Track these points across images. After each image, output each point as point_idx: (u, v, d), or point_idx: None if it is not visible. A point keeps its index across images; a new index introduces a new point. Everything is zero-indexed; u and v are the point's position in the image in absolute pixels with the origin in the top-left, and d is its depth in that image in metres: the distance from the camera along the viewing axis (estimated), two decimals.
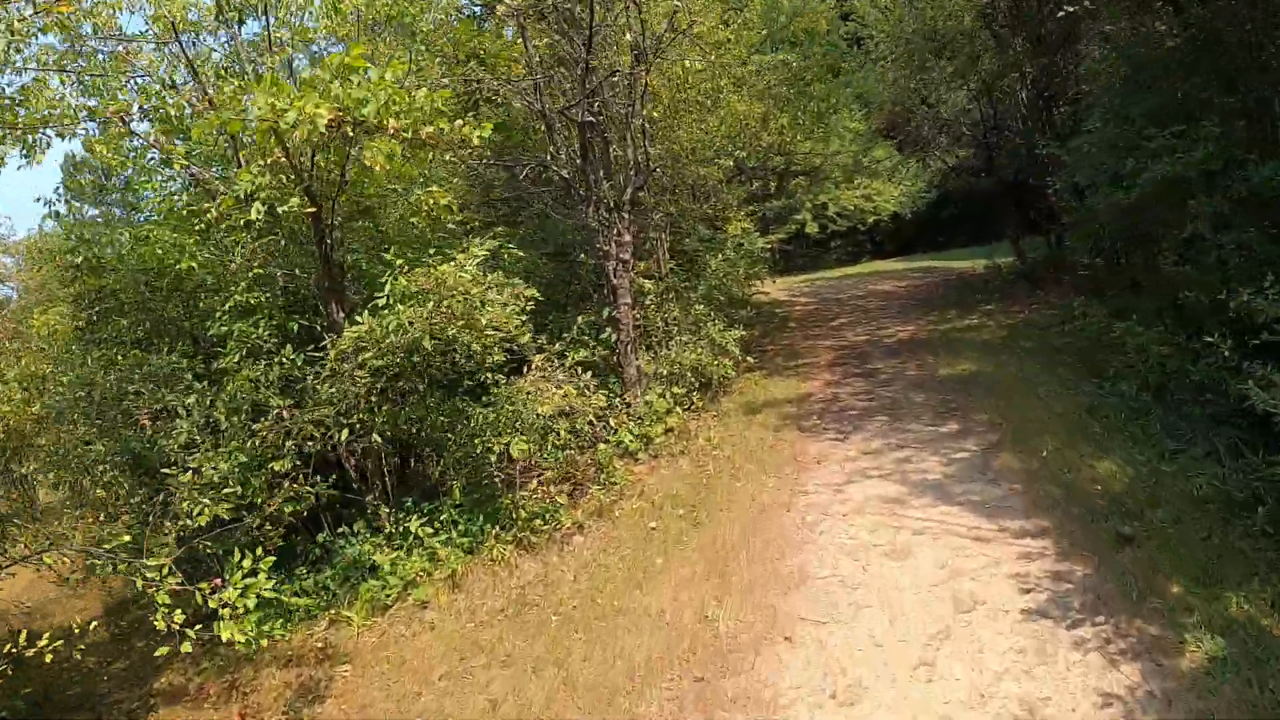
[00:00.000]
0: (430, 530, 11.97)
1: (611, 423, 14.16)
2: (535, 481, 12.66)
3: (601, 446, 13.71)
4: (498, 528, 12.07)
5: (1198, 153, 12.76)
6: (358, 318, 10.88)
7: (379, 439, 11.48)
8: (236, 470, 10.86)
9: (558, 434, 12.41)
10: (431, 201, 11.85)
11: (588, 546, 11.84)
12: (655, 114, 17.61)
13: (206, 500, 10.38)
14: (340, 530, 12.25)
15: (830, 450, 13.75)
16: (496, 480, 12.94)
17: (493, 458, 11.80)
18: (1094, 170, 15.95)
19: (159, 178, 14.58)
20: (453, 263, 10.80)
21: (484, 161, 16.76)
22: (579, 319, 15.33)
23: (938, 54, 24.82)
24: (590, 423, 12.90)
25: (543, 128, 15.27)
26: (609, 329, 15.58)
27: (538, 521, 12.02)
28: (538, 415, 11.78)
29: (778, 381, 18.87)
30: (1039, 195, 26.53)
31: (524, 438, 11.64)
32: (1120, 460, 11.49)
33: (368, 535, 12.13)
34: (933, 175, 39.77)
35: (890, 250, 40.12)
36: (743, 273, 21.00)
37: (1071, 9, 16.86)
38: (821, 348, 21.96)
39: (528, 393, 11.86)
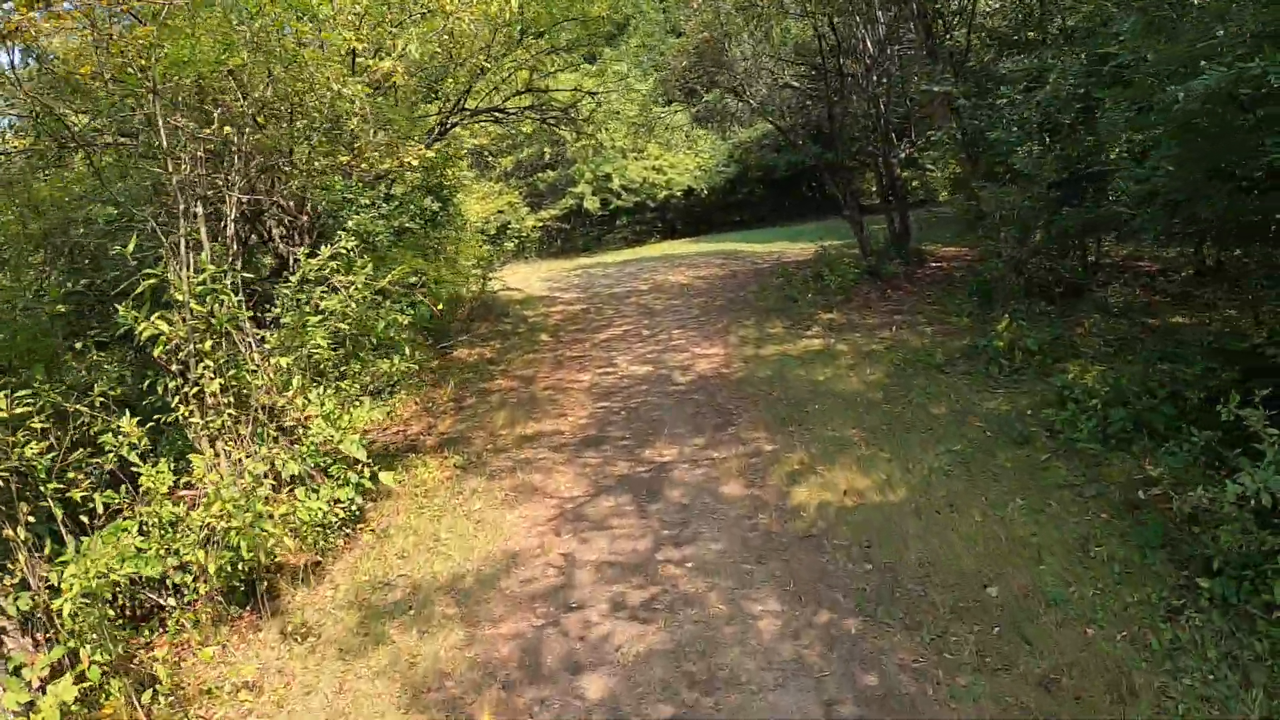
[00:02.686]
0: None
1: None
2: None
3: None
4: None
5: None
6: None
7: None
8: None
9: None
10: None
11: None
12: None
13: None
14: None
15: None
16: None
17: None
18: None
19: None
20: None
21: None
22: None
23: None
24: None
25: None
26: None
27: None
28: None
29: (470, 495, 8.11)
30: (885, 164, 16.66)
31: None
32: None
33: None
34: (732, 148, 29.64)
35: (683, 230, 29.71)
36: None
37: None
38: (574, 392, 11.14)
39: None
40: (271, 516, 6.38)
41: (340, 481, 7.35)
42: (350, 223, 7.88)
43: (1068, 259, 12.07)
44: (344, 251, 7.37)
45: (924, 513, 6.43)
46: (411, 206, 12.17)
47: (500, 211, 26.72)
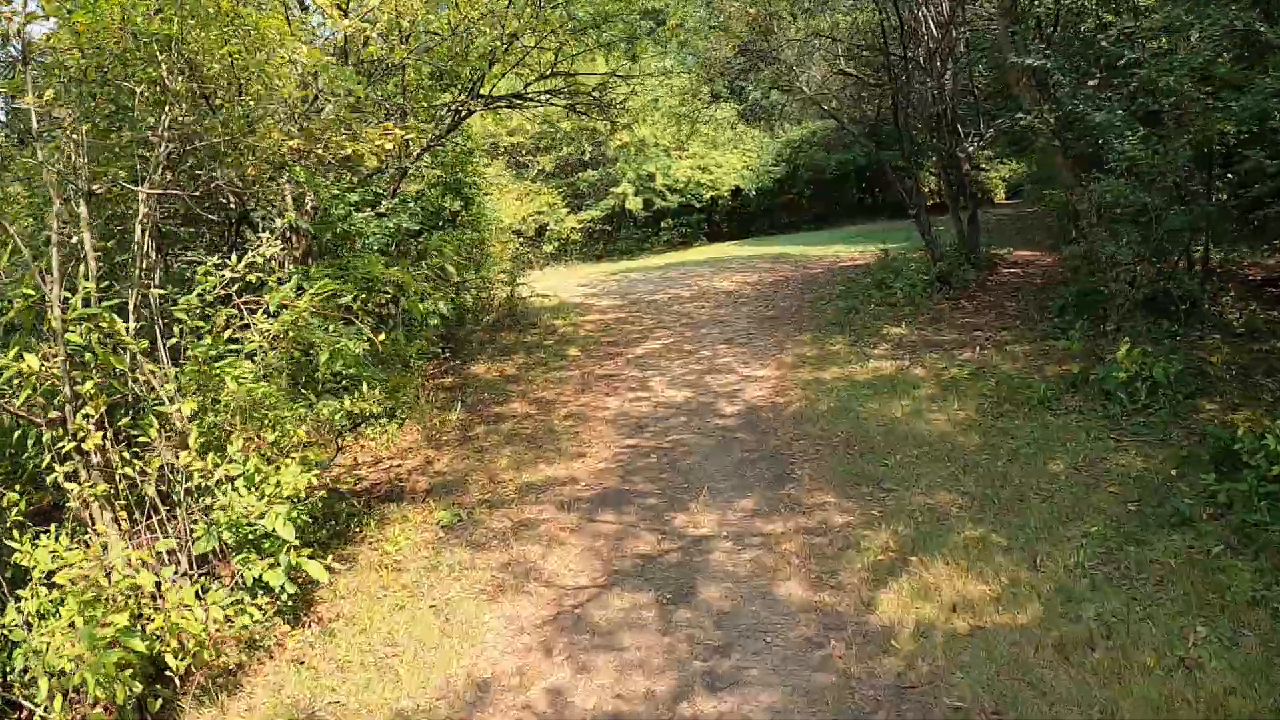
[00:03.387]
0: None
1: None
2: None
3: None
4: None
5: None
6: None
7: None
8: None
9: None
10: None
11: None
12: None
13: None
14: None
15: None
16: None
17: None
18: None
19: None
20: None
21: None
22: None
23: None
24: None
25: None
26: None
27: None
28: None
29: (447, 574, 6.14)
30: (951, 158, 14.42)
31: None
32: None
33: None
34: (782, 146, 27.40)
35: (730, 232, 27.45)
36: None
37: None
38: (598, 424, 9.12)
39: None
40: (140, 632, 4.42)
41: (271, 561, 5.36)
42: (279, 220, 5.79)
43: (1177, 267, 9.76)
44: (262, 260, 5.34)
45: (1072, 650, 4.24)
46: (412, 205, 10.20)
47: (539, 212, 24.73)
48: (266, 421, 5.54)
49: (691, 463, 7.45)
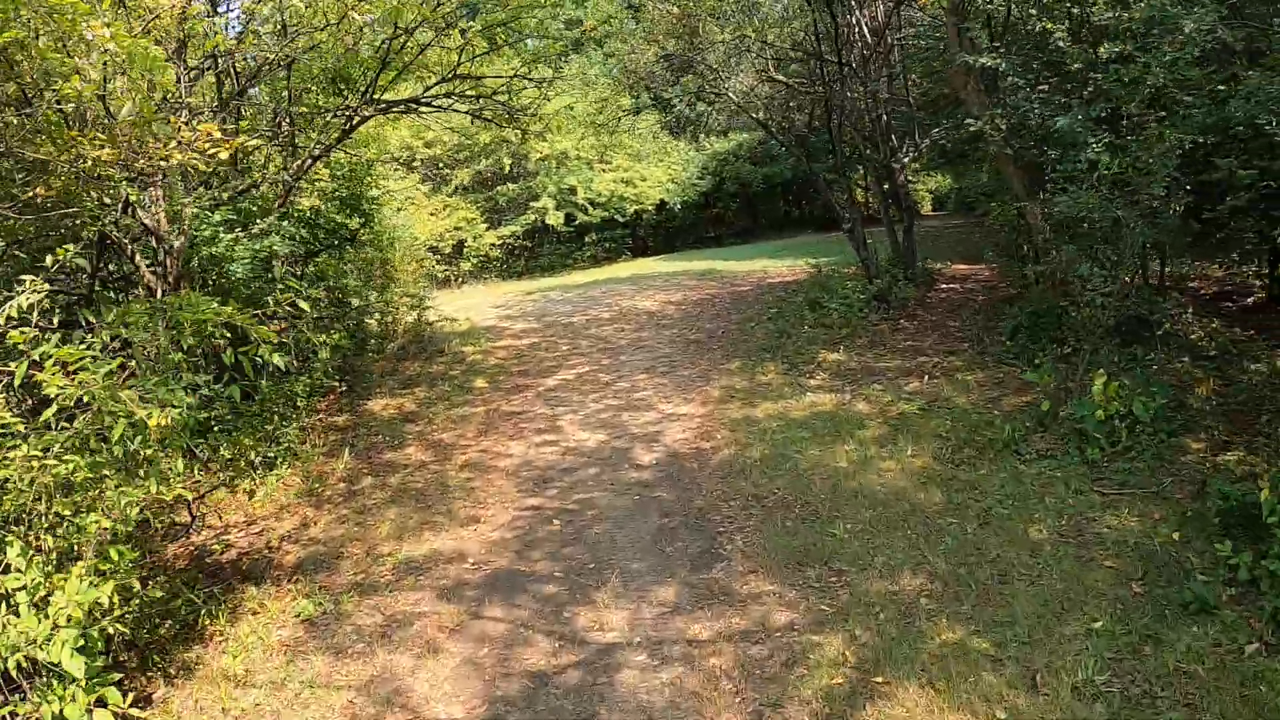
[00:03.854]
0: None
1: None
2: None
3: None
4: None
5: None
6: None
7: None
8: None
9: None
10: None
11: None
12: None
13: None
14: None
15: None
16: None
17: None
18: None
19: None
20: None
21: None
22: None
23: None
24: None
25: None
26: None
27: None
28: None
29: (294, 698, 4.77)
30: (886, 169, 13.57)
31: None
32: None
33: None
34: (708, 159, 26.37)
35: (655, 247, 26.18)
36: None
37: None
38: (498, 477, 7.79)
39: None
40: None
41: (64, 694, 3.91)
42: (49, 259, 4.25)
43: (1135, 284, 8.85)
44: (17, 314, 3.84)
45: None
46: (287, 225, 8.74)
47: (457, 228, 23.21)
48: (46, 518, 4.09)
49: (601, 532, 6.15)
